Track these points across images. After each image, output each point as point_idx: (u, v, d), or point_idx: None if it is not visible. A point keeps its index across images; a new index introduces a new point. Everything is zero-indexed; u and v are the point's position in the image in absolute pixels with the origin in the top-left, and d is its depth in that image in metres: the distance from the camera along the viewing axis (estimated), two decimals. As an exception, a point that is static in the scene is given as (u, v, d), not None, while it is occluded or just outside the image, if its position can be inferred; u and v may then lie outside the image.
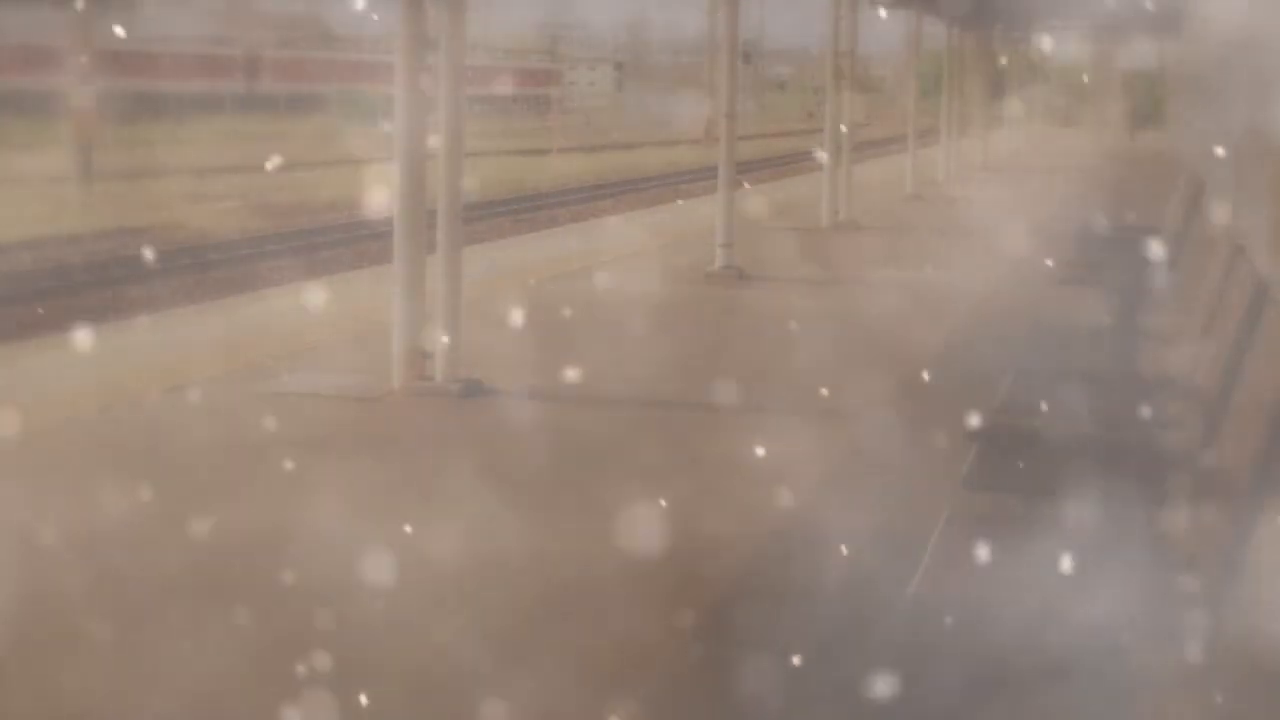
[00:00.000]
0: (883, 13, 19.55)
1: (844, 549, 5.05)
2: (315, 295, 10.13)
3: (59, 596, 4.64)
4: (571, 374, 7.95)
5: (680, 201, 22.78)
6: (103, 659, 4.22)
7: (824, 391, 7.52)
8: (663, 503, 5.71)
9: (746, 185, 18.61)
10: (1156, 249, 8.03)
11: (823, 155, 16.64)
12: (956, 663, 3.75)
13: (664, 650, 4.43)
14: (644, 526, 5.37)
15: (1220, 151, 8.26)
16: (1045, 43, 40.56)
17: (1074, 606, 3.81)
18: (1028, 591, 3.90)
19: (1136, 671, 3.76)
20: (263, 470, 6.02)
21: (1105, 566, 3.90)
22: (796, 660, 4.22)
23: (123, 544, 5.11)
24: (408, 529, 5.34)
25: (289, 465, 6.03)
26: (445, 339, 7.50)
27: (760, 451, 6.46)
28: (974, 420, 4.87)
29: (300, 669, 4.07)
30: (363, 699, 3.95)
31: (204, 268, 16.87)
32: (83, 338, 8.13)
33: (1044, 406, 5.18)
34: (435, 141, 7.53)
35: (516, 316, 9.58)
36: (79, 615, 4.49)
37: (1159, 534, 4.18)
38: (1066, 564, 3.87)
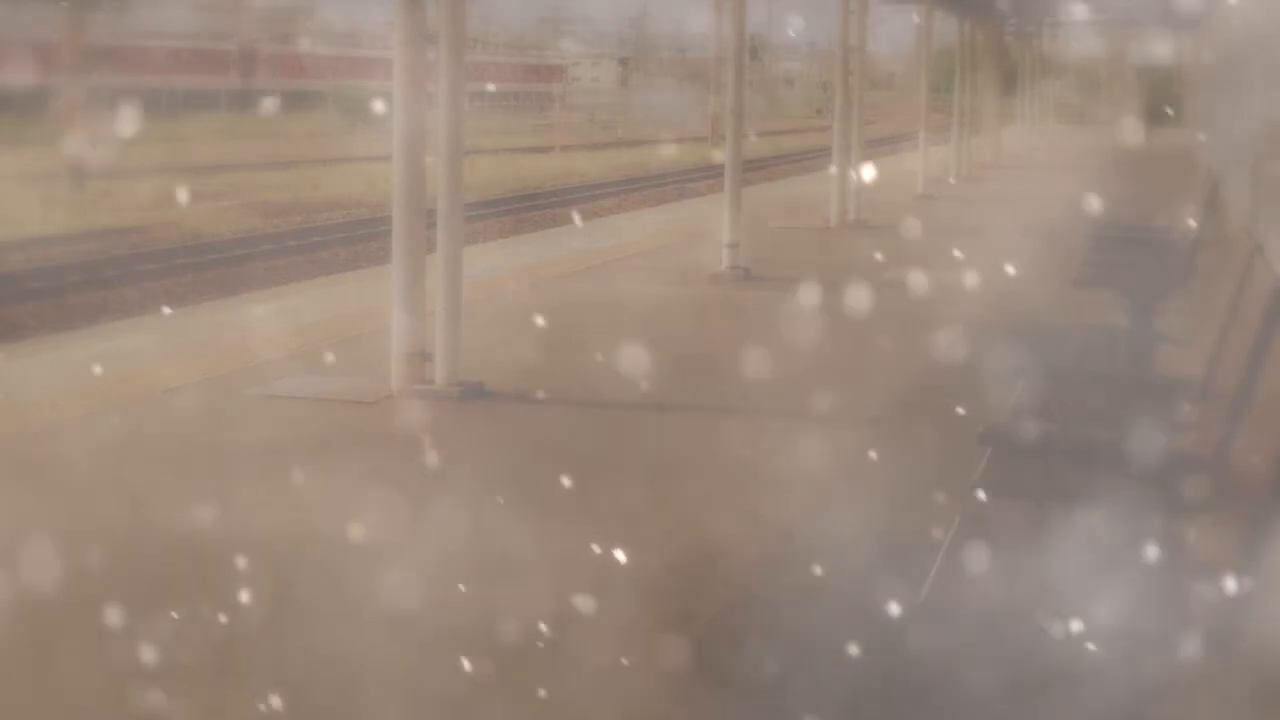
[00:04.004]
0: None
1: (848, 549, 4.96)
2: (312, 296, 10.06)
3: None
4: (573, 377, 7.85)
5: (686, 200, 22.69)
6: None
7: (827, 395, 7.42)
8: (664, 510, 5.60)
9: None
10: (1172, 249, 7.93)
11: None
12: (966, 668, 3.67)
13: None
14: (644, 534, 5.26)
15: (1238, 149, 8.15)
16: (1059, 38, 40.49)
17: (1087, 612, 3.73)
18: (1039, 597, 3.85)
19: (1151, 678, 3.74)
20: (251, 474, 5.90)
21: (1119, 572, 3.84)
22: None
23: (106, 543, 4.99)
24: (398, 532, 5.23)
25: (280, 469, 5.91)
26: (445, 341, 7.38)
27: (767, 458, 6.34)
28: (986, 424, 4.80)
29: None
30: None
31: (197, 268, 16.82)
32: (73, 340, 8.04)
33: (1057, 410, 5.11)
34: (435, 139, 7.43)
35: (518, 318, 9.49)
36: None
37: (1174, 539, 4.11)
38: (1078, 569, 3.81)
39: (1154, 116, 36.95)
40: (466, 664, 4.12)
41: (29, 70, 33.28)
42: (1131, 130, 36.02)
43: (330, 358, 8.25)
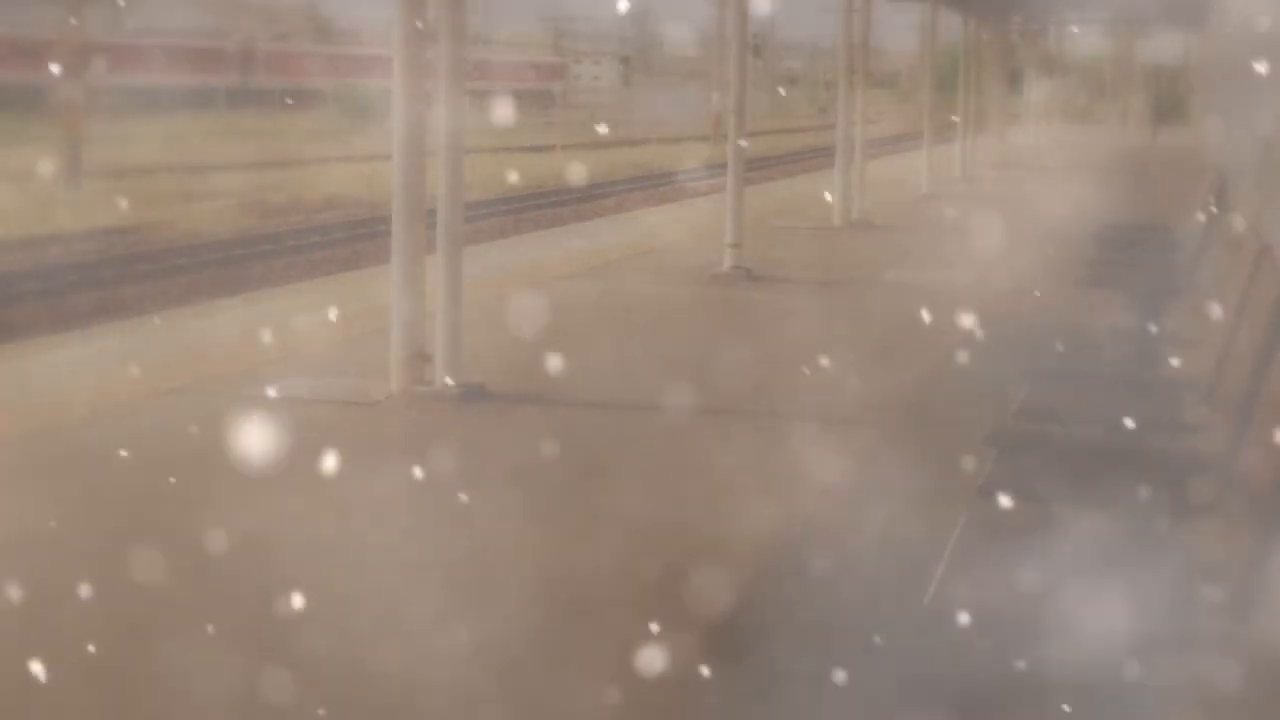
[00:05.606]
0: None
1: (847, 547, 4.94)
2: (311, 296, 10.02)
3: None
4: (575, 378, 7.80)
5: (687, 200, 22.64)
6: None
7: (831, 397, 7.39)
8: (664, 513, 5.55)
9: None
10: (1179, 250, 7.89)
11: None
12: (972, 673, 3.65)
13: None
14: (645, 537, 5.21)
15: (1246, 149, 8.10)
16: (1064, 37, 40.47)
17: (1093, 615, 3.72)
18: (1045, 600, 3.82)
19: (1158, 683, 3.73)
20: (245, 475, 5.86)
21: (1126, 575, 3.82)
22: None
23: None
24: (392, 535, 5.19)
25: (274, 471, 5.86)
26: (445, 341, 7.34)
27: (769, 459, 6.29)
28: (991, 425, 4.78)
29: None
30: None
31: (195, 268, 16.80)
32: (68, 341, 8.01)
33: (1063, 411, 5.09)
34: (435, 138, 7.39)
35: (519, 319, 9.45)
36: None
37: (1181, 542, 4.09)
38: (1086, 572, 3.79)
39: (1160, 116, 36.94)
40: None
41: (26, 68, 33.31)
42: (1137, 130, 36.02)
43: (330, 359, 8.21)
